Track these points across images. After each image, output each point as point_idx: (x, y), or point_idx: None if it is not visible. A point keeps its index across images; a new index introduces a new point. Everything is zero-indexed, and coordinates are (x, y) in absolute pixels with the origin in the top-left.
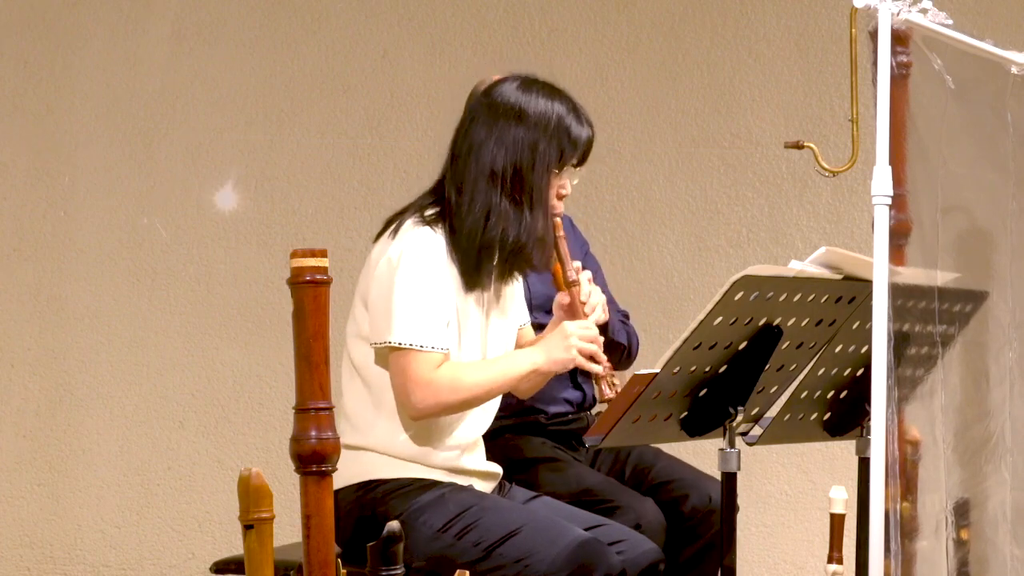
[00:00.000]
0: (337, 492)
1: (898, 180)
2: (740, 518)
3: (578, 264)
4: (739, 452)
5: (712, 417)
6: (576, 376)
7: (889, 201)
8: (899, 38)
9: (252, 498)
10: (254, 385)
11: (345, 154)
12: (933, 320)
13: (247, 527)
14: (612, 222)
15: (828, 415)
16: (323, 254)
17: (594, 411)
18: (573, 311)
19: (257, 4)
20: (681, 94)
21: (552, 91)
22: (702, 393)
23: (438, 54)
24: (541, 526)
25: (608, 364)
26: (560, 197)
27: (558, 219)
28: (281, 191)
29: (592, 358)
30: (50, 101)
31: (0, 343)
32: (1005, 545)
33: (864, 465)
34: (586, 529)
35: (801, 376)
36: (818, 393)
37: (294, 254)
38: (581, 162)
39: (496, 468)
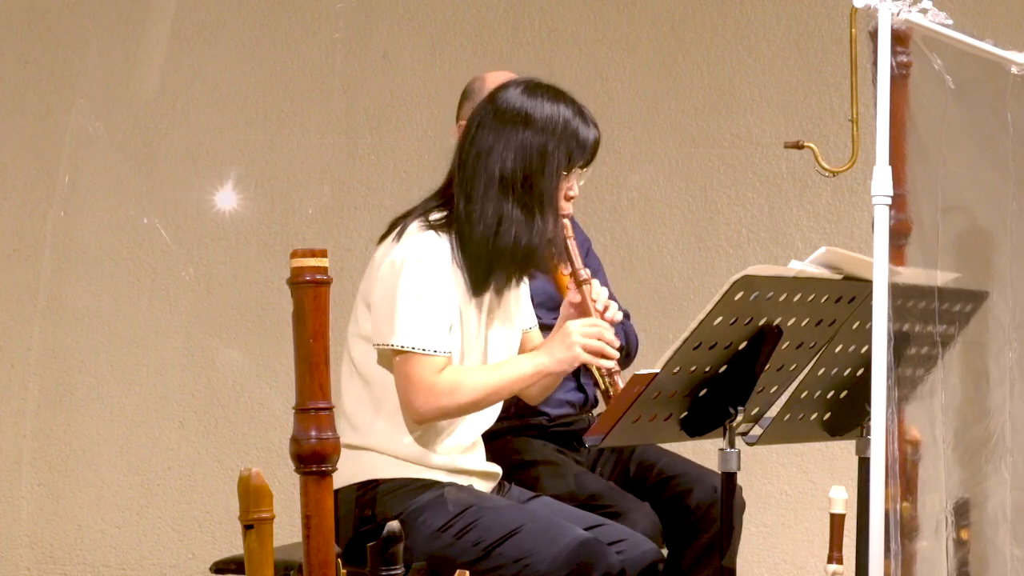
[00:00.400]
0: (337, 492)
1: (898, 180)
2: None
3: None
4: (739, 452)
5: (712, 417)
6: (579, 377)
7: (889, 201)
8: (899, 38)
9: (252, 498)
10: (254, 385)
11: (345, 154)
12: (933, 320)
13: (247, 527)
14: (612, 222)
15: (828, 415)
16: (323, 254)
17: (595, 412)
18: (583, 310)
19: (257, 4)
20: (681, 94)
21: (557, 94)
22: (702, 393)
23: (438, 54)
24: (541, 526)
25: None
26: (568, 199)
27: (566, 220)
28: (281, 191)
29: (601, 354)
30: (50, 101)
31: (0, 343)
32: (1005, 545)
33: (864, 465)
34: (586, 529)
35: (801, 376)
36: (818, 393)
37: (294, 254)
38: (588, 163)
39: (496, 468)
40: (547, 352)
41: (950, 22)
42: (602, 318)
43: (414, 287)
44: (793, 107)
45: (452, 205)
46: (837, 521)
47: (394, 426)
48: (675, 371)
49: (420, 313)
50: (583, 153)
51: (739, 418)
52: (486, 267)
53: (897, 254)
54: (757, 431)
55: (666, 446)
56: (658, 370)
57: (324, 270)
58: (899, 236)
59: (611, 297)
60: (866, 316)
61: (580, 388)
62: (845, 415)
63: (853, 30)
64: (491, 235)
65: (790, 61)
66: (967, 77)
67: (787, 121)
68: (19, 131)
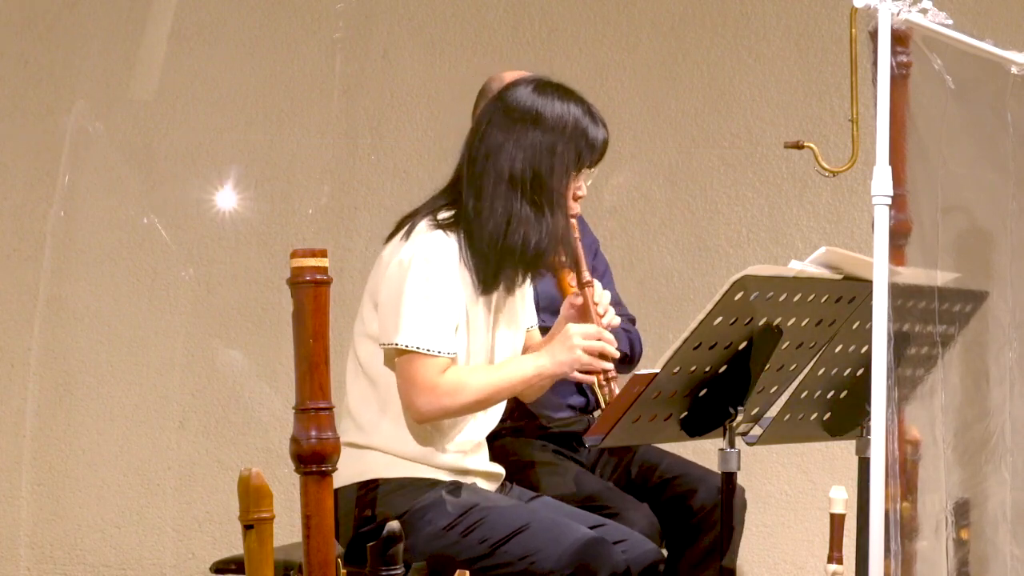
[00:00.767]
0: (338, 491)
1: (898, 180)
2: None
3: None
4: (739, 452)
5: (712, 417)
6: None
7: (889, 201)
8: (899, 38)
9: (252, 498)
10: (254, 385)
11: (345, 154)
12: (933, 320)
13: (247, 527)
14: (612, 222)
15: (828, 415)
16: (323, 254)
17: (596, 414)
18: (585, 313)
19: (257, 4)
20: (681, 94)
21: (566, 93)
22: (702, 393)
23: (438, 54)
24: (546, 524)
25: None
26: (576, 199)
27: (574, 220)
28: (281, 191)
29: (601, 356)
30: (50, 101)
31: (0, 343)
32: (1005, 545)
33: (864, 465)
34: (588, 528)
35: (801, 376)
36: (818, 393)
37: (294, 254)
38: (596, 163)
39: (499, 469)
40: (548, 354)
41: (950, 22)
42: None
43: (421, 287)
44: (793, 107)
45: (460, 203)
46: (837, 521)
47: (400, 426)
48: (675, 371)
49: (426, 313)
50: (592, 153)
51: (739, 418)
52: (495, 266)
53: (897, 254)
54: (757, 431)
55: (667, 447)
56: (658, 370)
57: (324, 270)
58: (899, 236)
59: (618, 301)
60: (866, 316)
61: (581, 392)
62: (845, 415)
63: (853, 30)
64: (501, 234)
65: (790, 61)
66: (967, 77)
67: (787, 121)
68: (19, 131)
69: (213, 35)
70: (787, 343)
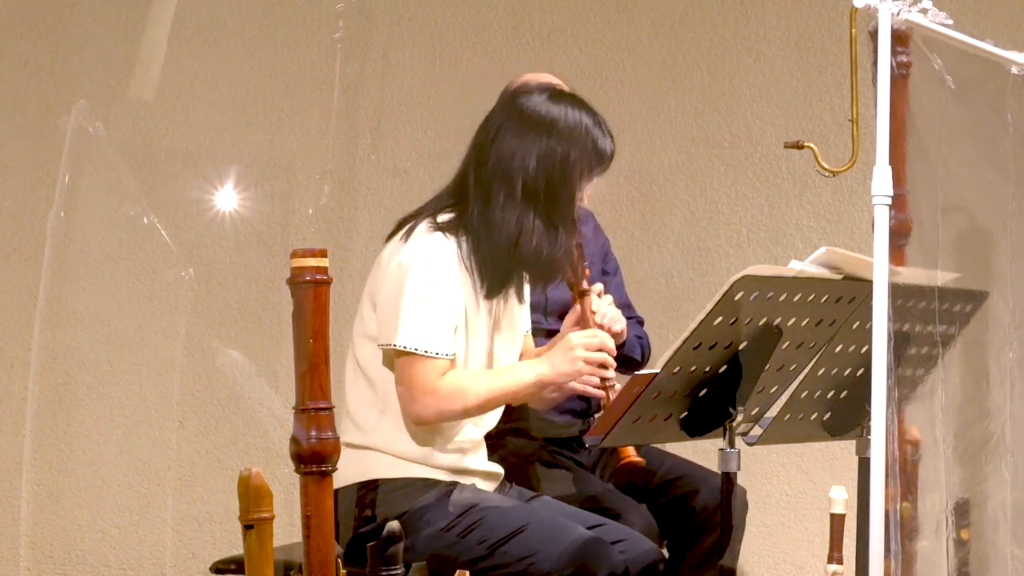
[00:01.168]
0: (338, 491)
1: (898, 180)
2: None
3: (599, 287)
4: (739, 452)
5: (712, 417)
6: None
7: (889, 201)
8: (899, 38)
9: (252, 498)
10: (254, 385)
11: (345, 154)
12: (933, 320)
13: (247, 527)
14: (612, 222)
15: (828, 415)
16: (323, 254)
17: (596, 416)
18: (582, 322)
19: (257, 4)
20: (681, 94)
21: (578, 103)
22: (702, 393)
23: (438, 54)
24: (545, 525)
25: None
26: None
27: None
28: (281, 191)
29: (602, 365)
30: (50, 101)
31: (0, 343)
32: (1005, 545)
33: (864, 465)
34: (587, 528)
35: (801, 376)
36: (818, 393)
37: (294, 254)
38: (601, 173)
39: (498, 468)
40: (548, 361)
41: (950, 22)
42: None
43: (421, 289)
44: (793, 107)
45: (463, 206)
46: (837, 521)
47: (399, 426)
48: (675, 371)
49: (425, 315)
50: (600, 164)
51: (739, 418)
52: (505, 273)
53: (897, 254)
54: (757, 431)
55: (668, 449)
56: (658, 370)
57: (324, 270)
58: (899, 236)
59: (628, 303)
60: (866, 316)
61: (582, 396)
62: (845, 415)
63: (853, 30)
64: (512, 242)
65: (790, 61)
66: (967, 77)
67: (787, 121)
68: (19, 131)
69: (213, 35)
70: (787, 343)
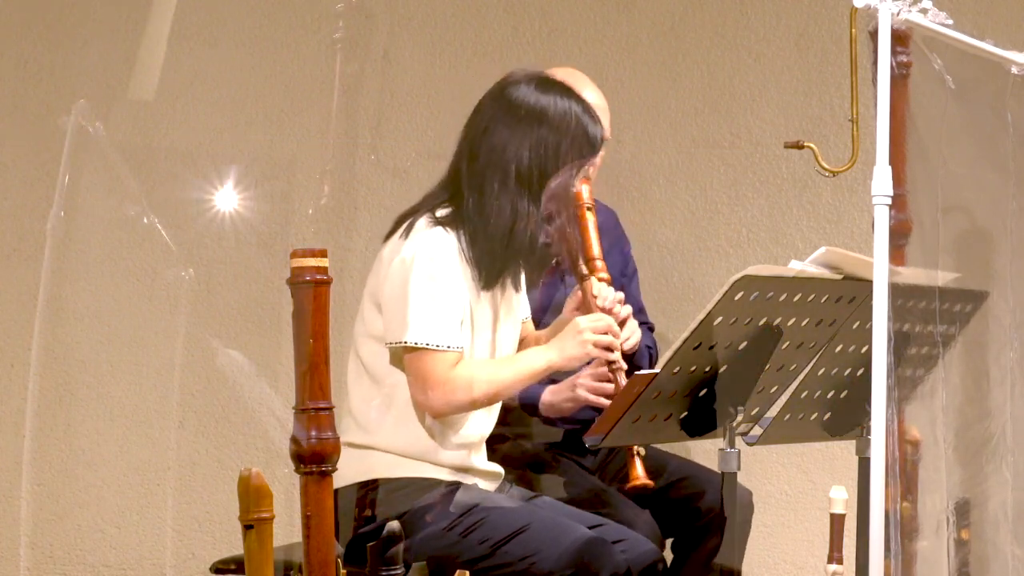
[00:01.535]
0: (339, 491)
1: (898, 180)
2: None
3: (620, 295)
4: (739, 452)
5: (712, 417)
6: None
7: (889, 201)
8: (899, 38)
9: (252, 498)
10: (254, 385)
11: (345, 154)
12: (934, 320)
13: (247, 527)
14: None
15: (828, 415)
16: (323, 254)
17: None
18: (584, 307)
19: (257, 4)
20: (681, 94)
21: (566, 91)
22: (702, 393)
23: (438, 54)
24: (547, 525)
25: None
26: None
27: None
28: (281, 191)
29: (609, 348)
30: (50, 101)
31: (0, 343)
32: (1006, 545)
33: (864, 465)
34: (588, 528)
35: (801, 376)
36: (818, 393)
37: (294, 254)
38: (592, 159)
39: (498, 468)
40: (557, 347)
41: (950, 22)
42: (610, 313)
43: (426, 284)
44: (793, 107)
45: (458, 200)
46: (837, 521)
47: (403, 425)
48: (675, 371)
49: (433, 309)
50: (592, 151)
51: (739, 418)
52: (501, 263)
53: (897, 254)
54: (757, 431)
55: (669, 448)
56: (658, 370)
57: (324, 270)
58: (899, 236)
59: (641, 308)
60: (866, 316)
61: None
62: (845, 415)
63: (853, 30)
64: (507, 233)
65: (790, 61)
66: (967, 77)
67: (787, 121)
68: (19, 131)
69: (213, 35)
70: (787, 343)
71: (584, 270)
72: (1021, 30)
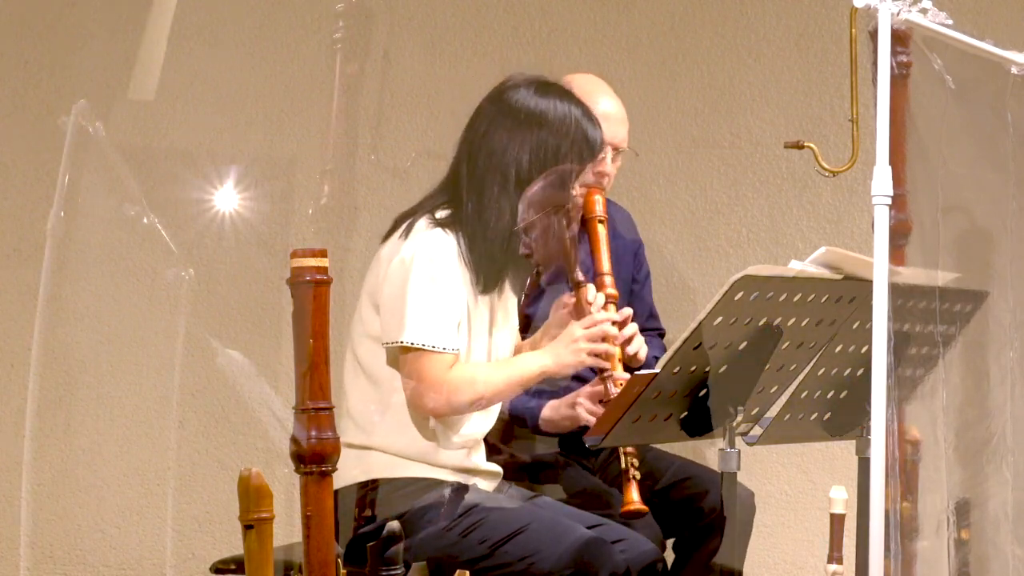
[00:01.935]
0: (339, 491)
1: (898, 180)
2: None
3: (628, 311)
4: (739, 452)
5: (712, 417)
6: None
7: (889, 201)
8: (899, 38)
9: (252, 498)
10: (254, 385)
11: (345, 154)
12: (934, 320)
13: (247, 527)
14: None
15: (828, 415)
16: (323, 254)
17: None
18: (579, 312)
19: (257, 4)
20: (681, 94)
21: (564, 94)
22: (702, 393)
23: (438, 54)
24: (546, 525)
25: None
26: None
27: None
28: (281, 191)
29: (605, 355)
30: (50, 101)
31: (0, 343)
32: (1006, 545)
33: (864, 465)
34: (587, 528)
35: (801, 376)
36: (818, 393)
37: (294, 254)
38: (592, 161)
39: (497, 468)
40: (551, 353)
41: (950, 22)
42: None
43: (424, 285)
44: (793, 107)
45: (457, 202)
46: (837, 521)
47: (401, 425)
48: (675, 371)
49: (430, 310)
50: (591, 154)
51: (739, 418)
52: (500, 267)
53: (897, 254)
54: (757, 431)
55: (670, 449)
56: (658, 370)
57: (324, 270)
58: (899, 236)
59: (653, 313)
60: (866, 316)
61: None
62: (845, 415)
63: (853, 30)
64: (506, 235)
65: (790, 61)
66: (967, 77)
67: (787, 121)
68: (19, 131)
69: (213, 35)
70: (787, 343)
71: (579, 277)
72: (1021, 30)
